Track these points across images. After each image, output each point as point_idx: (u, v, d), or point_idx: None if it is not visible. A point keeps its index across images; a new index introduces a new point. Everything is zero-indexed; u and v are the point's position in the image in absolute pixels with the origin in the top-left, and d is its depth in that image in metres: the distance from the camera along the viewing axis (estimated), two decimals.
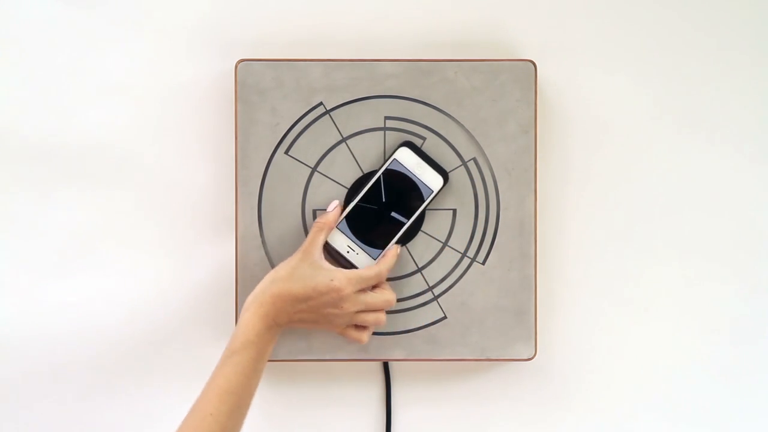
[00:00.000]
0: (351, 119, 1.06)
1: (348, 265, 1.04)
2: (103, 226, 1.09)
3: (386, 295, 1.03)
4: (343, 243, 1.05)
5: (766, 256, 1.13)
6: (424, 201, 1.05)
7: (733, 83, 1.12)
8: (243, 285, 1.06)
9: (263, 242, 1.06)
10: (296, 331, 1.06)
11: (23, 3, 1.09)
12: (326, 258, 1.03)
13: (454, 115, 1.07)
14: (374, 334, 1.06)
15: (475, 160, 1.07)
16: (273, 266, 1.06)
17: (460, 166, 1.07)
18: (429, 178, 1.05)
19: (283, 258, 1.05)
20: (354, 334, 1.03)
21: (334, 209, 1.04)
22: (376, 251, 1.05)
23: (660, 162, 1.12)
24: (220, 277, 1.09)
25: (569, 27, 1.11)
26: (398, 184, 1.05)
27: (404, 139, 1.06)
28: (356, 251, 1.05)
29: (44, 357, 1.09)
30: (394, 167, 1.05)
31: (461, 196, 1.07)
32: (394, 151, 1.05)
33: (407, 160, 1.05)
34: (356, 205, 1.05)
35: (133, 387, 1.10)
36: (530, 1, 1.10)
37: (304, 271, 1.00)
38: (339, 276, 0.99)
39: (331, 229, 1.04)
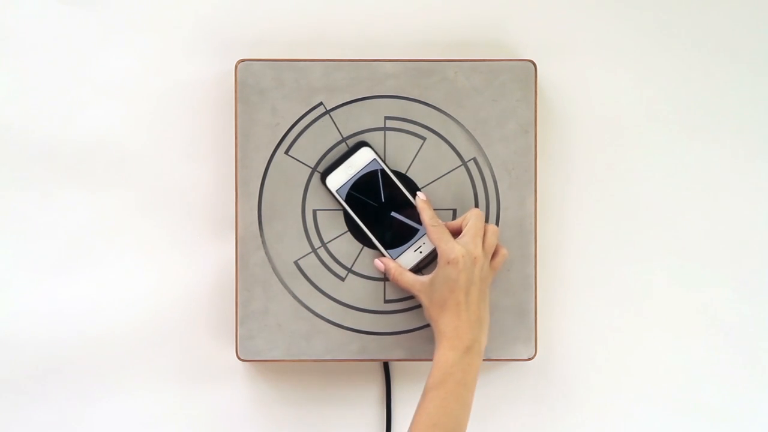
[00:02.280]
0: (351, 119, 1.06)
1: (433, 254, 1.04)
2: (102, 226, 1.09)
3: (472, 216, 1.02)
4: (411, 256, 1.06)
5: (767, 257, 1.13)
6: (386, 172, 1.05)
7: (733, 83, 1.12)
8: (243, 285, 1.06)
9: (263, 242, 1.06)
10: (296, 331, 1.06)
11: (23, 3, 1.09)
12: (419, 269, 1.05)
13: (454, 115, 1.07)
14: (374, 334, 1.06)
15: (475, 160, 1.07)
16: (273, 266, 1.06)
17: (460, 166, 1.07)
18: (360, 160, 1.05)
19: (282, 257, 1.06)
20: (499, 259, 1.03)
21: (383, 261, 1.05)
22: (419, 232, 1.06)
23: (660, 162, 1.12)
24: (220, 277, 1.10)
25: (569, 27, 1.11)
26: (365, 189, 1.05)
27: (321, 172, 1.06)
28: (422, 242, 1.06)
29: (44, 357, 1.09)
30: (345, 190, 1.05)
31: (461, 196, 1.07)
32: (326, 187, 1.05)
33: (339, 178, 1.05)
34: (376, 232, 1.06)
35: (133, 387, 1.10)
36: (530, 1, 1.10)
37: (435, 293, 0.99)
38: (442, 257, 0.99)
39: (399, 266, 1.04)
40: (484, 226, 1.03)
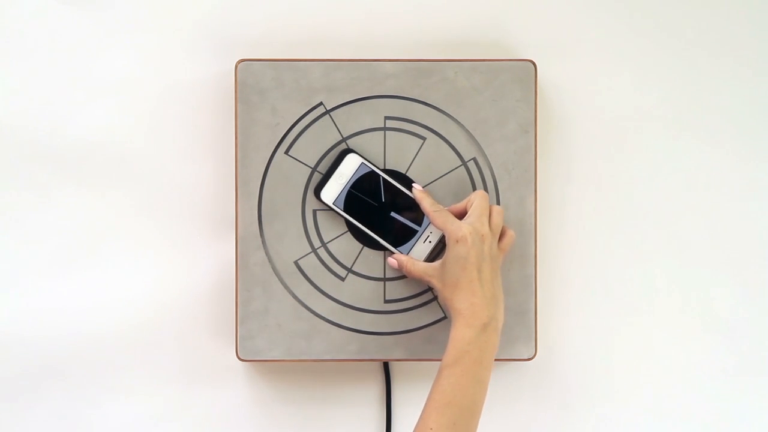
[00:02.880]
0: (351, 119, 1.06)
1: (443, 242, 1.04)
2: (102, 226, 1.09)
3: (476, 197, 1.02)
4: (422, 247, 1.06)
5: (767, 257, 1.13)
6: (379, 176, 1.05)
7: (733, 83, 1.12)
8: (243, 285, 1.06)
9: (263, 242, 1.06)
10: (296, 331, 1.06)
11: (23, 3, 1.09)
12: (433, 259, 1.05)
13: (454, 115, 1.07)
14: (374, 334, 1.06)
15: (475, 160, 1.07)
16: (273, 266, 1.06)
17: (460, 166, 1.07)
18: (349, 168, 1.05)
19: (282, 257, 1.06)
20: (507, 240, 1.03)
21: (396, 257, 1.05)
22: (423, 223, 1.06)
23: (660, 162, 1.12)
24: (220, 277, 1.09)
25: (569, 27, 1.11)
26: (362, 194, 1.05)
27: (314, 189, 1.06)
28: (429, 231, 1.06)
29: (44, 357, 1.09)
30: (341, 201, 1.05)
31: (461, 196, 1.07)
32: (322, 202, 1.05)
33: (332, 190, 1.05)
34: (381, 233, 1.06)
35: (133, 387, 1.10)
36: (530, 1, 1.10)
37: (447, 273, 0.99)
38: (450, 237, 0.99)
39: (411, 258, 1.04)
40: (489, 206, 1.02)
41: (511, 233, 1.03)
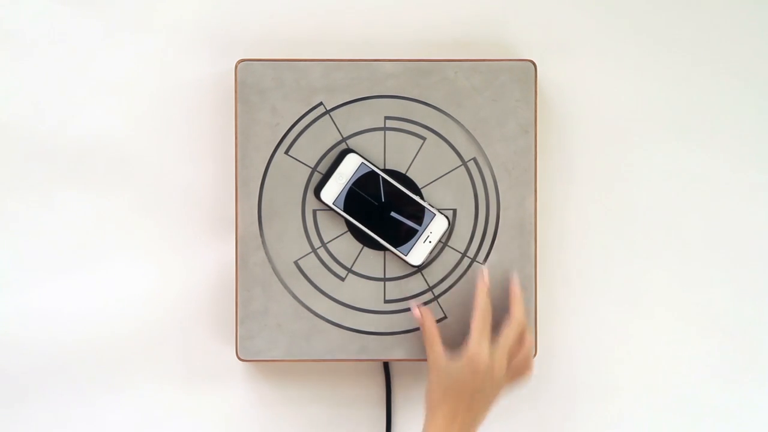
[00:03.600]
0: (351, 119, 1.06)
1: (443, 241, 1.04)
2: (102, 226, 1.09)
3: (515, 323, 1.01)
4: (422, 248, 1.05)
5: (767, 257, 1.13)
6: (379, 176, 1.05)
7: (733, 84, 1.12)
8: (243, 285, 1.06)
9: (263, 242, 1.06)
10: (296, 331, 1.06)
11: (23, 3, 1.09)
12: (431, 260, 1.05)
13: (454, 115, 1.07)
14: (374, 334, 1.06)
15: (475, 160, 1.07)
16: (273, 266, 1.06)
17: (460, 166, 1.07)
18: (349, 168, 1.05)
19: (282, 257, 1.05)
20: (515, 373, 1.03)
21: (421, 311, 1.04)
22: (423, 223, 1.05)
23: (660, 162, 1.12)
24: (220, 277, 1.09)
25: (569, 27, 1.11)
26: (361, 194, 1.05)
27: (314, 189, 1.06)
28: (429, 232, 1.06)
29: (44, 357, 1.09)
30: (341, 201, 1.05)
31: (461, 196, 1.07)
32: (322, 202, 1.05)
33: (332, 190, 1.05)
34: (383, 233, 1.06)
35: (133, 387, 1.10)
36: (530, 1, 1.10)
37: (444, 379, 0.99)
38: (468, 349, 0.99)
39: (434, 325, 1.03)
40: (523, 339, 1.02)
41: (529, 371, 1.03)
